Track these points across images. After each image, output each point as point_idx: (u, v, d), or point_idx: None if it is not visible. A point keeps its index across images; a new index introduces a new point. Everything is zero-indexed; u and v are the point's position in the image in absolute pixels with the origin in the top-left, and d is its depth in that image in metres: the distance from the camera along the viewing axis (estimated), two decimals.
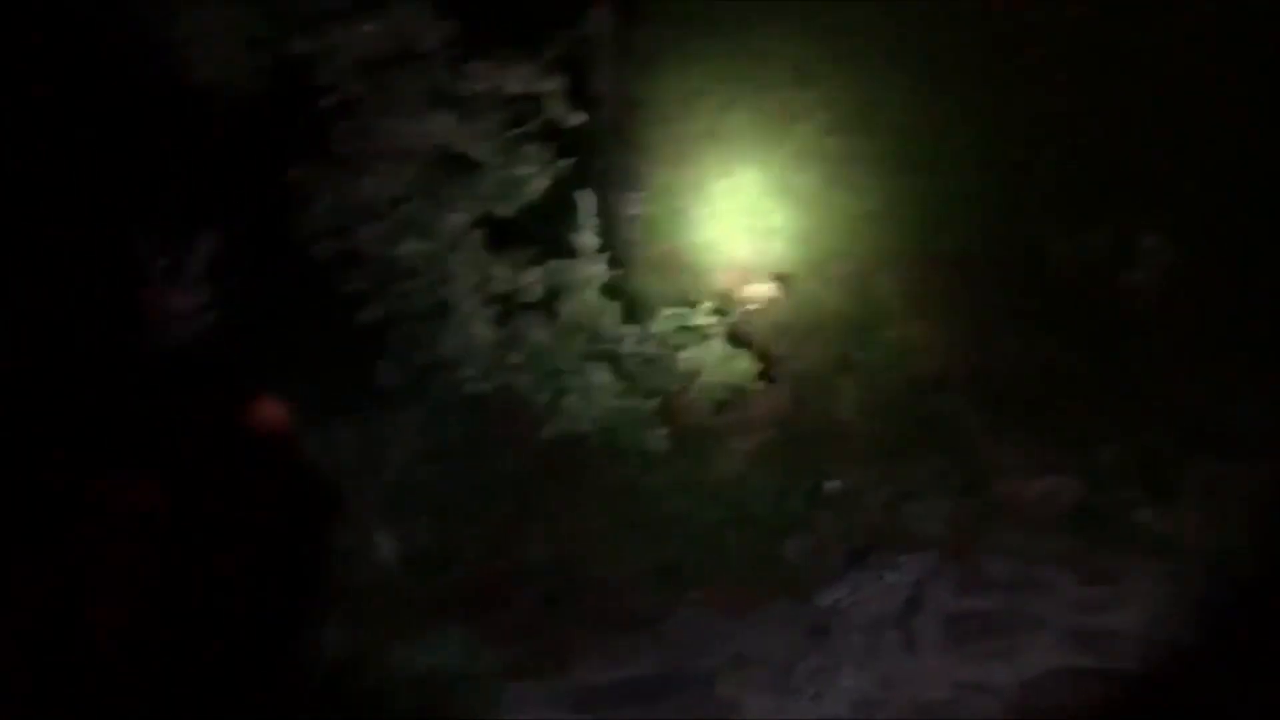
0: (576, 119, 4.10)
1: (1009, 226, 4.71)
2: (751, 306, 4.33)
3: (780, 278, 4.78)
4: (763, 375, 4.31)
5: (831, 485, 4.46)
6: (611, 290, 4.48)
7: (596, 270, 4.25)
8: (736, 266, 5.09)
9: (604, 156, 5.14)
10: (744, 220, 5.05)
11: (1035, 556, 3.94)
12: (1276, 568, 3.65)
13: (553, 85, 4.09)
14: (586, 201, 4.28)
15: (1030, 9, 4.62)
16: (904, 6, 4.70)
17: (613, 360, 4.25)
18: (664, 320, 4.26)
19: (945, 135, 4.74)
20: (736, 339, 4.45)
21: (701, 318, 4.25)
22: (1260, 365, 4.25)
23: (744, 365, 4.23)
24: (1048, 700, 3.36)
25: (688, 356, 4.22)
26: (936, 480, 4.42)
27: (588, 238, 4.27)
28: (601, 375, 4.14)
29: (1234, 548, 3.83)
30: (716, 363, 4.22)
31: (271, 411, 1.36)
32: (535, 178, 4.12)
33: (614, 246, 5.02)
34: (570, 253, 4.29)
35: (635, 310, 4.64)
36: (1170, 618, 3.56)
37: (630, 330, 4.31)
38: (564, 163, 4.22)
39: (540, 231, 4.71)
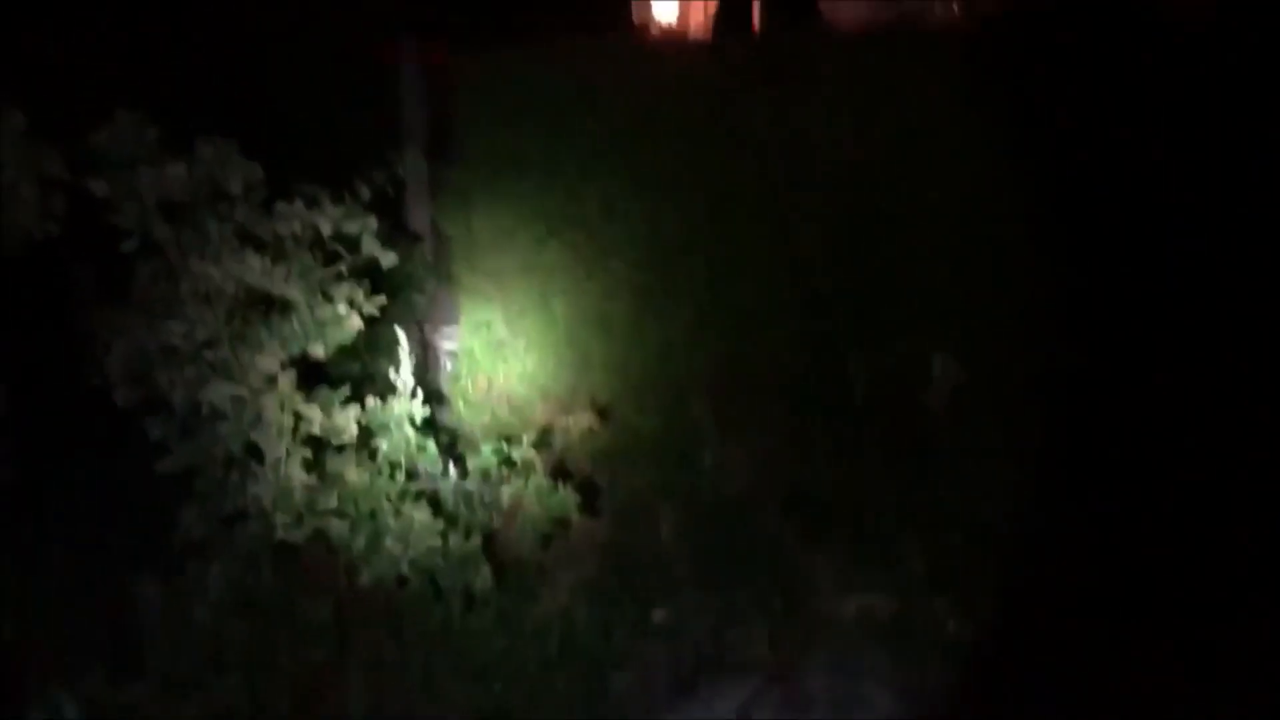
0: (389, 259, 4.09)
1: (812, 349, 4.93)
2: (572, 437, 4.35)
3: (598, 407, 4.86)
4: (585, 506, 4.32)
5: (659, 615, 4.49)
6: (430, 427, 4.45)
7: (413, 407, 4.20)
8: (554, 397, 5.16)
9: (419, 293, 5.16)
10: (560, 352, 5.14)
11: (855, 673, 4.05)
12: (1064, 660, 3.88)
13: (364, 225, 4.09)
14: (402, 338, 4.26)
15: (820, 147, 4.93)
16: (706, 146, 4.95)
17: (432, 498, 4.19)
18: (484, 455, 4.23)
19: (750, 265, 4.96)
20: (558, 471, 4.47)
21: (522, 451, 4.24)
22: (1034, 473, 4.55)
23: (566, 497, 4.23)
24: None
25: (509, 491, 4.19)
26: (757, 603, 4.50)
27: (404, 374, 4.23)
28: (421, 514, 4.06)
29: (1025, 645, 4.05)
30: (539, 496, 4.20)
31: None
32: (348, 317, 4.07)
33: (431, 382, 5.02)
34: (386, 390, 4.24)
35: (455, 446, 4.61)
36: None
37: (450, 467, 4.26)
38: (377, 300, 4.19)
39: (354, 370, 4.66)
